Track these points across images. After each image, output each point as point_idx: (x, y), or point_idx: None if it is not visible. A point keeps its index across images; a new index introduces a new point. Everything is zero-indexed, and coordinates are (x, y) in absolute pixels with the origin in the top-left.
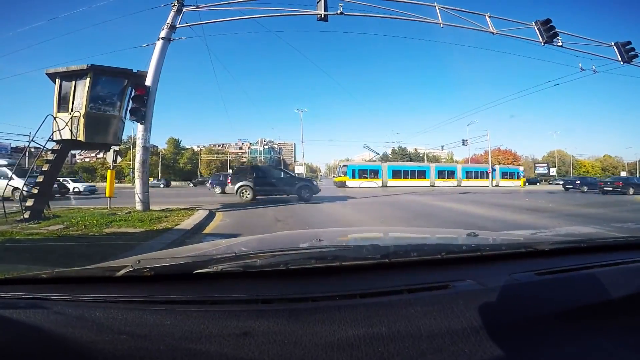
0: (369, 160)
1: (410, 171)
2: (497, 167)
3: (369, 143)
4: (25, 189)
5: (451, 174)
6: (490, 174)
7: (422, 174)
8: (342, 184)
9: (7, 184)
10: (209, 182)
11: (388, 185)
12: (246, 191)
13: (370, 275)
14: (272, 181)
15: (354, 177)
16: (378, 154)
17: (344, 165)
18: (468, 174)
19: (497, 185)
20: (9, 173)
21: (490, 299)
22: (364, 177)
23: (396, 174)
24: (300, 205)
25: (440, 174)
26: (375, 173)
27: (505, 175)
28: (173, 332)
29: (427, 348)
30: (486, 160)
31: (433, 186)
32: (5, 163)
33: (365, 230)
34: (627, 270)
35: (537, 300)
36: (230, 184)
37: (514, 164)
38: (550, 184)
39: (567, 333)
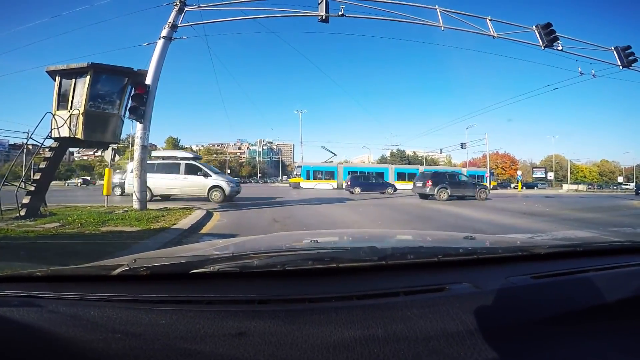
0: (326, 161)
1: (368, 173)
2: (462, 169)
3: (368, 145)
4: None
5: (412, 177)
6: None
7: (380, 176)
8: (297, 185)
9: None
10: (347, 183)
11: (344, 187)
12: (443, 192)
13: (367, 277)
14: (460, 184)
15: (308, 178)
16: (335, 154)
17: (299, 166)
18: None
19: None
20: (203, 168)
21: (486, 302)
22: (319, 179)
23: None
24: (298, 207)
25: (400, 177)
26: (330, 174)
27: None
28: (168, 331)
29: (422, 350)
30: (484, 163)
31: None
32: (191, 156)
33: (363, 232)
34: (622, 274)
35: (533, 303)
36: (430, 185)
37: (512, 168)
38: (536, 188)
39: (563, 336)
